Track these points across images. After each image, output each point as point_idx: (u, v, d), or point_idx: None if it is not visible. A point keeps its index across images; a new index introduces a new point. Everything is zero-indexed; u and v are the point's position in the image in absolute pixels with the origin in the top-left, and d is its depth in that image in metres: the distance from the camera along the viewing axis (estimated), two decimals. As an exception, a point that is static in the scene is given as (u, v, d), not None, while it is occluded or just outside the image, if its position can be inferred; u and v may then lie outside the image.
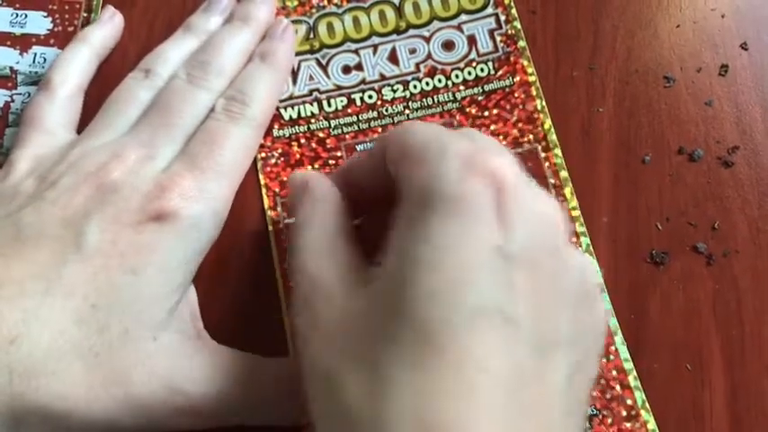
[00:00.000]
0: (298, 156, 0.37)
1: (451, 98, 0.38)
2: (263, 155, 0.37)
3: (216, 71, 0.35)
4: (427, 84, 0.38)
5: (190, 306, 0.33)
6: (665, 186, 0.36)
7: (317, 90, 0.38)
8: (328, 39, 0.39)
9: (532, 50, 0.38)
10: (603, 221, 0.35)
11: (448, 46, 0.39)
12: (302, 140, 0.37)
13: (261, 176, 0.36)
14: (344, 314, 0.25)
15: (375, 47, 0.39)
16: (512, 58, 0.38)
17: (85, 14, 0.39)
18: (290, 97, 0.38)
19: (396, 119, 0.37)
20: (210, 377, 0.30)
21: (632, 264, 0.35)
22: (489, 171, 0.24)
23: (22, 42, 0.39)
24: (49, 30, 0.39)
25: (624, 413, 0.33)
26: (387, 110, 0.38)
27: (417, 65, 0.38)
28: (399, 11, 0.39)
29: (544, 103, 0.37)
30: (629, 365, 0.33)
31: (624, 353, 0.33)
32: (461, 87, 0.38)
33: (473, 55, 0.38)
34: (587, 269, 0.26)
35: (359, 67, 0.38)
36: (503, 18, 0.39)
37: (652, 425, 0.32)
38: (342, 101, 0.38)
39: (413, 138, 0.27)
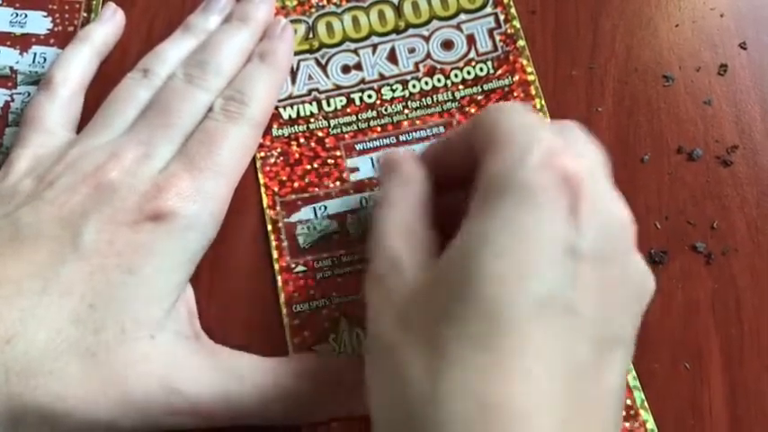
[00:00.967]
0: (297, 155, 0.37)
1: (451, 97, 0.38)
2: (263, 154, 0.37)
3: (214, 71, 0.35)
4: (426, 83, 0.38)
5: (187, 306, 0.33)
6: (664, 185, 0.36)
7: (317, 89, 0.38)
8: (327, 38, 0.39)
9: (532, 50, 0.38)
10: (603, 221, 0.35)
11: (447, 45, 0.39)
12: (301, 140, 0.37)
13: (260, 176, 0.36)
14: (414, 291, 0.26)
15: (374, 46, 0.39)
16: (511, 58, 0.38)
17: (85, 14, 0.39)
18: (290, 97, 0.38)
19: (395, 118, 0.37)
20: (208, 377, 0.30)
21: (631, 263, 0.35)
22: (570, 168, 0.25)
23: (22, 42, 0.39)
24: (48, 29, 0.39)
25: (623, 413, 0.33)
26: (386, 109, 0.38)
27: (416, 64, 0.38)
28: (398, 10, 0.39)
29: (543, 102, 0.37)
30: (627, 365, 0.33)
31: (623, 352, 0.33)
32: (461, 87, 0.38)
33: (472, 54, 0.38)
34: (648, 279, 0.26)
35: (358, 66, 0.38)
36: (502, 17, 0.39)
37: (651, 424, 0.32)
38: (341, 100, 0.38)
39: (504, 122, 0.27)
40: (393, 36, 0.39)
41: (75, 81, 0.37)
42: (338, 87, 0.38)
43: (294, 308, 0.34)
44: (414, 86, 0.38)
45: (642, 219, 0.35)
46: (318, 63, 0.39)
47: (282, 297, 0.35)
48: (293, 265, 0.35)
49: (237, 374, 0.31)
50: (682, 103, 0.37)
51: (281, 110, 0.38)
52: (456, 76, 0.38)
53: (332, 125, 0.37)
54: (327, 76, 0.38)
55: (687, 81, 0.38)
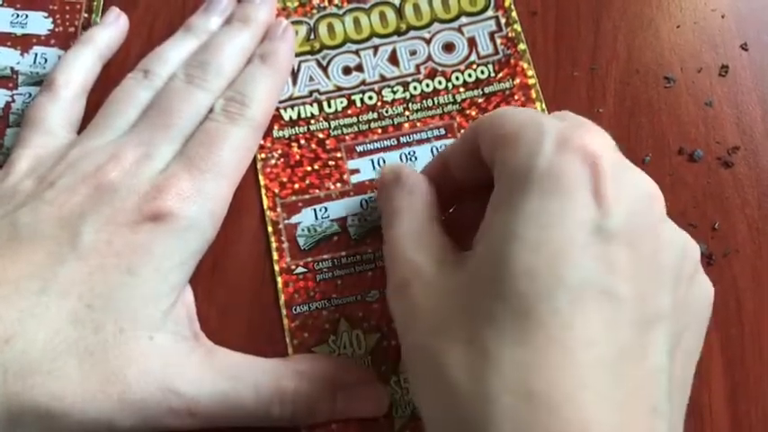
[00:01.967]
0: (297, 156, 0.37)
1: (452, 100, 0.38)
2: (263, 155, 0.37)
3: (215, 71, 0.35)
4: (427, 85, 0.38)
5: (186, 307, 0.33)
6: (666, 187, 0.35)
7: (317, 91, 0.38)
8: (329, 40, 0.39)
9: (533, 50, 0.38)
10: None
11: (448, 48, 0.39)
12: (302, 141, 0.37)
13: (260, 177, 0.36)
14: (441, 295, 0.26)
15: (375, 48, 0.39)
16: (512, 61, 0.38)
17: (86, 15, 0.39)
18: (290, 98, 0.38)
19: (396, 120, 0.37)
20: (206, 378, 0.30)
21: (632, 264, 0.35)
22: (584, 147, 0.25)
23: (23, 43, 0.39)
24: (49, 30, 0.39)
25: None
26: (387, 111, 0.38)
27: (418, 66, 0.38)
28: (400, 12, 0.39)
29: (544, 105, 0.37)
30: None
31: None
32: (461, 89, 0.38)
33: (473, 57, 0.38)
34: (687, 244, 0.26)
35: (359, 68, 0.38)
36: (503, 21, 0.39)
37: (652, 426, 0.32)
38: (342, 102, 0.38)
39: (508, 121, 0.27)
40: (394, 38, 0.39)
41: (78, 83, 0.37)
42: (339, 89, 0.38)
43: (294, 309, 0.34)
44: (415, 88, 0.38)
45: (643, 220, 0.35)
46: (319, 64, 0.39)
47: (282, 298, 0.35)
48: (293, 267, 0.35)
49: (236, 375, 0.31)
50: (683, 104, 0.37)
51: (282, 111, 0.38)
52: (457, 78, 0.38)
53: (333, 127, 0.37)
54: (328, 77, 0.38)
55: (688, 82, 0.38)
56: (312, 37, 0.39)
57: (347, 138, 0.37)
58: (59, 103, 0.36)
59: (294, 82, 0.38)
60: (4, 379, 0.27)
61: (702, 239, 0.35)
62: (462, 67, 0.38)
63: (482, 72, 0.38)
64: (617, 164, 0.25)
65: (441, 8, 0.39)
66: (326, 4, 0.40)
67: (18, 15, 0.39)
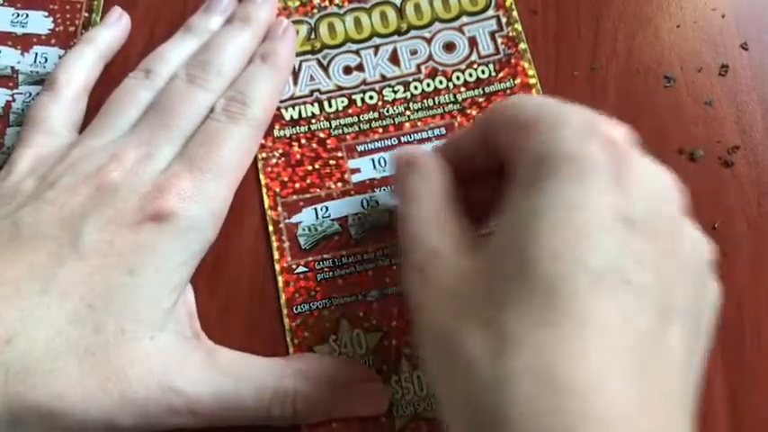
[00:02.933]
0: (298, 156, 0.37)
1: (452, 99, 0.38)
2: (264, 155, 0.37)
3: (216, 71, 0.35)
4: (428, 85, 0.38)
5: (187, 306, 0.33)
6: (666, 186, 0.36)
7: (318, 90, 0.38)
8: (329, 39, 0.39)
9: (533, 50, 0.38)
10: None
11: (449, 47, 0.39)
12: (303, 141, 0.37)
13: (261, 176, 0.36)
14: (459, 277, 0.26)
15: (376, 48, 0.39)
16: (513, 61, 0.38)
17: (86, 14, 0.39)
18: (291, 97, 0.38)
19: (396, 120, 0.37)
20: (207, 377, 0.30)
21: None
22: (608, 137, 0.25)
23: (24, 42, 0.39)
24: (50, 29, 0.39)
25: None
26: (387, 111, 0.38)
27: (418, 66, 0.38)
28: (400, 12, 0.39)
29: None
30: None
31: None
32: (462, 89, 0.38)
33: (474, 57, 0.38)
34: (702, 243, 0.26)
35: (360, 67, 0.39)
36: (504, 20, 0.39)
37: (652, 425, 0.32)
38: (343, 101, 0.38)
39: (527, 107, 0.27)
40: (395, 37, 0.39)
41: (79, 83, 0.37)
42: (340, 88, 0.38)
43: (295, 309, 0.34)
44: (415, 88, 0.38)
45: (644, 219, 0.35)
46: (320, 64, 0.39)
47: (283, 298, 0.35)
48: (294, 266, 0.35)
49: (237, 374, 0.31)
50: (683, 103, 0.37)
51: (283, 110, 0.38)
52: (458, 78, 0.38)
53: (333, 126, 0.37)
54: (329, 76, 0.38)
55: (688, 82, 0.38)
56: (313, 36, 0.39)
57: (348, 137, 0.37)
58: (61, 102, 0.36)
59: (295, 81, 0.38)
60: (5, 378, 0.28)
61: (703, 239, 0.35)
62: (463, 66, 0.38)
63: (483, 72, 0.38)
64: (638, 156, 0.25)
65: (441, 8, 0.39)
66: (327, 3, 0.40)
67: (18, 15, 0.39)
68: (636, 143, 0.26)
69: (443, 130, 0.37)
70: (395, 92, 0.38)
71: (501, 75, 0.38)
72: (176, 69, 0.36)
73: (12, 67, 0.38)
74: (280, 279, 0.35)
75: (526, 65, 0.38)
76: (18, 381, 0.28)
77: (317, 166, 0.37)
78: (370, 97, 0.38)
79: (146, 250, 0.31)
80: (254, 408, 0.31)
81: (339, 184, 0.36)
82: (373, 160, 0.37)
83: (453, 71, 0.38)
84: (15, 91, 0.38)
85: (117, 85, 0.36)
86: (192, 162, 0.33)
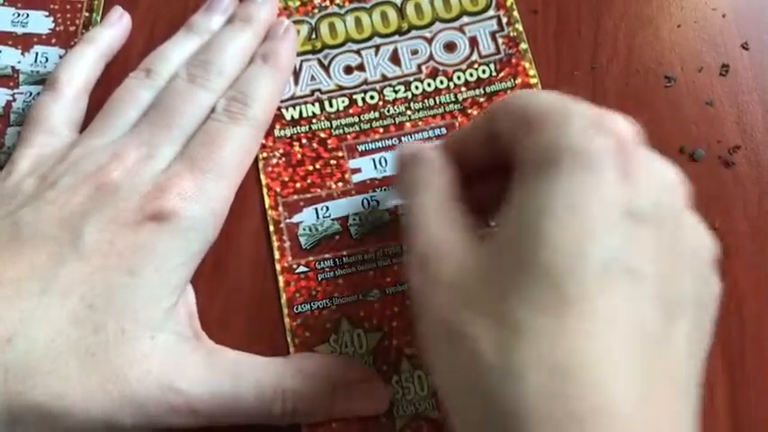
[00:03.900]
0: (299, 156, 0.37)
1: (453, 99, 0.38)
2: (265, 155, 0.37)
3: (217, 71, 0.35)
4: (429, 85, 0.38)
5: (187, 306, 0.33)
6: (667, 186, 0.36)
7: (319, 90, 0.38)
8: (330, 39, 0.39)
9: (534, 49, 0.38)
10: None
11: (450, 47, 0.39)
12: (304, 140, 0.37)
13: (262, 176, 0.36)
14: (464, 268, 0.26)
15: (377, 47, 0.39)
16: (513, 61, 0.38)
17: (87, 14, 0.40)
18: (292, 97, 0.38)
19: (397, 120, 0.37)
20: (207, 377, 0.30)
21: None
22: (614, 131, 0.25)
23: (24, 42, 0.39)
24: (50, 29, 0.39)
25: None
26: (388, 110, 0.38)
27: (419, 66, 0.38)
28: (401, 12, 0.39)
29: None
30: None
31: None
32: (463, 89, 0.38)
33: (475, 56, 0.38)
34: (706, 238, 0.26)
35: (360, 67, 0.39)
36: (504, 20, 0.39)
37: (653, 425, 0.32)
38: (343, 101, 0.38)
39: (532, 102, 0.27)
40: (396, 37, 0.39)
41: (80, 82, 0.37)
42: (341, 88, 0.38)
43: (295, 309, 0.34)
44: (416, 88, 0.38)
45: (644, 219, 0.35)
46: (321, 64, 0.39)
47: (284, 298, 0.35)
48: (295, 266, 0.35)
49: (237, 374, 0.31)
50: (683, 103, 0.37)
51: (284, 110, 0.38)
52: (458, 78, 0.38)
53: (334, 126, 0.37)
54: (330, 76, 0.38)
55: (689, 81, 0.38)
56: (314, 36, 0.39)
57: (349, 137, 0.37)
58: (62, 102, 0.36)
59: (296, 81, 0.38)
60: (5, 379, 0.28)
61: (703, 239, 0.35)
62: (464, 66, 0.38)
63: (484, 71, 0.38)
64: (644, 149, 0.25)
65: (442, 7, 0.39)
66: (328, 3, 0.40)
67: (19, 15, 0.39)
68: (642, 138, 0.26)
69: (444, 130, 0.37)
70: (396, 92, 0.38)
71: (502, 74, 0.38)
72: (177, 69, 0.36)
73: (12, 67, 0.39)
74: (280, 279, 0.35)
75: (527, 65, 0.38)
76: (18, 381, 0.28)
77: (317, 166, 0.37)
78: (371, 97, 0.38)
79: (146, 250, 0.31)
80: (255, 407, 0.31)
81: (340, 184, 0.36)
82: (374, 160, 0.37)
83: (454, 71, 0.38)
84: (16, 91, 0.38)
85: (117, 84, 0.36)
86: (192, 162, 0.33)
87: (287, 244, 0.35)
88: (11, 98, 0.38)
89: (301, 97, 0.38)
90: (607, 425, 0.21)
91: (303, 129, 0.37)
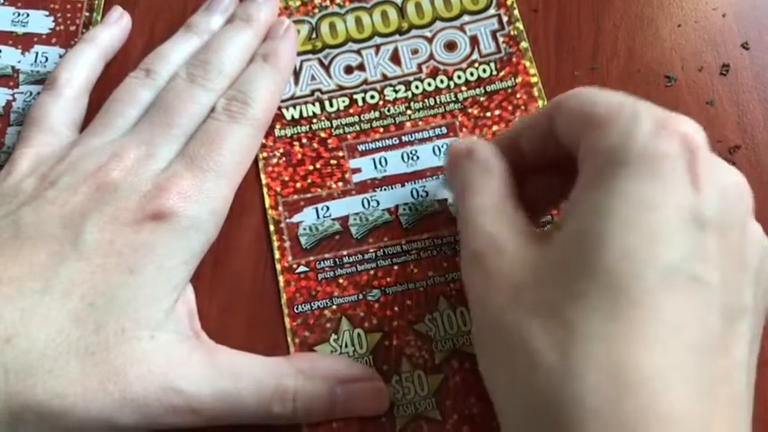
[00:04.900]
0: (299, 155, 0.37)
1: (453, 99, 0.38)
2: (265, 154, 0.37)
3: (217, 70, 0.35)
4: (429, 84, 0.38)
5: (187, 306, 0.33)
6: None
7: (319, 90, 0.38)
8: (331, 39, 0.39)
9: (534, 49, 0.38)
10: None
11: (450, 47, 0.39)
12: (304, 140, 0.37)
13: (262, 176, 0.36)
14: (521, 267, 0.26)
15: (377, 47, 0.39)
16: (514, 60, 0.38)
17: (87, 14, 0.40)
18: (292, 97, 0.38)
19: (397, 119, 0.37)
20: (207, 376, 0.30)
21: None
22: (682, 134, 0.25)
23: (24, 41, 0.39)
24: (50, 29, 0.39)
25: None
26: (389, 110, 0.38)
27: (419, 65, 0.38)
28: (402, 11, 0.39)
29: (546, 103, 0.37)
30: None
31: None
32: (463, 88, 0.38)
33: (475, 56, 0.38)
34: (766, 246, 0.26)
35: (361, 67, 0.39)
36: (505, 19, 0.39)
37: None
38: (344, 101, 0.38)
39: (599, 101, 0.27)
40: (396, 37, 0.39)
41: (80, 82, 0.37)
42: (341, 88, 0.38)
43: (296, 308, 0.34)
44: (416, 87, 0.38)
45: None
46: (321, 63, 0.39)
47: (284, 297, 0.35)
48: (295, 266, 0.35)
49: (237, 374, 0.31)
50: (684, 103, 0.37)
51: (284, 110, 0.38)
52: (459, 77, 0.38)
53: (334, 126, 0.37)
54: (330, 76, 0.38)
55: (689, 81, 0.38)
56: (314, 36, 0.39)
57: (349, 137, 0.37)
58: (62, 101, 0.36)
59: (296, 81, 0.38)
60: (5, 378, 0.28)
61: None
62: (464, 65, 0.38)
63: (484, 70, 0.38)
64: (711, 155, 0.25)
65: (443, 7, 0.39)
66: (328, 3, 0.40)
67: (19, 14, 0.39)
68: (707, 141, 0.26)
69: (445, 130, 0.37)
70: (396, 91, 0.38)
71: (502, 74, 0.38)
72: (177, 69, 0.36)
73: (12, 67, 0.39)
74: (280, 278, 0.35)
75: (527, 64, 0.38)
76: (18, 380, 0.28)
77: (318, 166, 0.37)
78: (372, 97, 0.38)
79: (146, 249, 0.31)
80: (255, 407, 0.31)
81: (340, 184, 0.36)
82: (374, 160, 0.37)
83: (454, 70, 0.38)
84: (16, 90, 0.38)
85: (117, 84, 0.36)
86: (192, 161, 0.33)
87: (287, 244, 0.35)
88: (11, 98, 0.38)
89: (302, 97, 0.38)
90: None
91: (303, 128, 0.37)
